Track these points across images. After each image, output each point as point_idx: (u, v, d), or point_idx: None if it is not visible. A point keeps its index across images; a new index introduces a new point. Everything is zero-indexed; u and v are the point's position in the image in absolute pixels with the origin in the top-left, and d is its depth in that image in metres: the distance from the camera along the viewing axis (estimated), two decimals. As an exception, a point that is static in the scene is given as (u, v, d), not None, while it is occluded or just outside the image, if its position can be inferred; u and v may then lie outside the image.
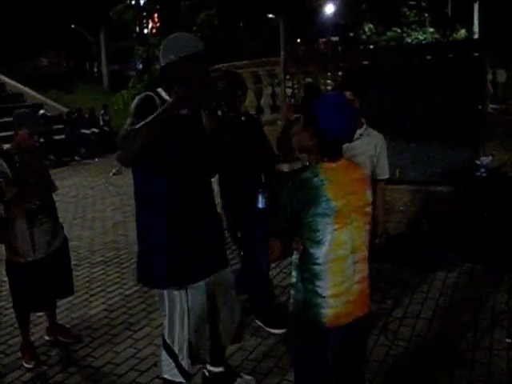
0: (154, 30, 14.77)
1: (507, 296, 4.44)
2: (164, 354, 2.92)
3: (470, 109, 6.01)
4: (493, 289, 4.59)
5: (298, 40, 32.17)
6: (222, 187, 4.01)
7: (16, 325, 4.06)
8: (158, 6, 13.59)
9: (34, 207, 3.70)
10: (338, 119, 2.22)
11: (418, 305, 4.41)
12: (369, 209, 2.35)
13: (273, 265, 4.81)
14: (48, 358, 3.90)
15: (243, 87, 4.01)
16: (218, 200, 3.51)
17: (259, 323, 4.14)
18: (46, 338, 4.14)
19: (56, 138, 14.33)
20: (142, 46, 14.39)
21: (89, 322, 4.43)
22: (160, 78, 2.66)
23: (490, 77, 7.55)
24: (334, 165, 2.26)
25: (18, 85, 18.16)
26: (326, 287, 2.23)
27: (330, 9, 29.00)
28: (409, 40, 29.24)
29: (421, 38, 29.47)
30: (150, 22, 15.35)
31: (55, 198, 4.06)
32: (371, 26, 31.72)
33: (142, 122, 2.51)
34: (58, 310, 4.33)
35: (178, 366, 2.88)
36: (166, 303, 2.83)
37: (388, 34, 30.95)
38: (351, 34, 33.19)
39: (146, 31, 17.80)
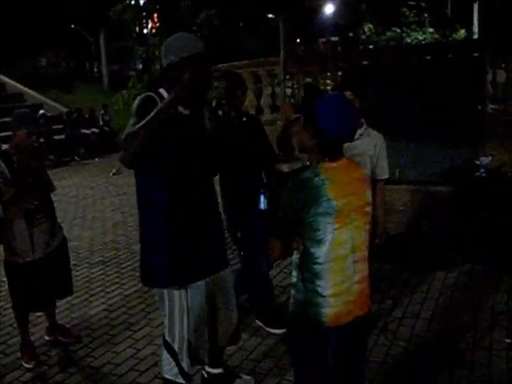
0: (153, 30, 14.76)
1: (507, 296, 4.44)
2: (165, 354, 2.92)
3: (469, 109, 6.01)
4: (492, 289, 4.59)
5: (298, 40, 32.16)
6: (222, 187, 4.01)
7: (15, 325, 4.06)
8: (157, 6, 13.58)
9: (33, 207, 3.70)
10: (339, 119, 2.22)
11: (417, 305, 4.41)
12: (369, 208, 2.35)
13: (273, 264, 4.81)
14: (48, 358, 3.90)
15: (243, 87, 4.01)
16: (218, 200, 3.51)
17: (259, 323, 4.15)
18: (46, 338, 4.14)
19: (56, 138, 14.34)
20: (141, 45, 14.38)
21: (88, 322, 4.43)
22: (161, 79, 2.66)
23: (489, 77, 7.56)
24: (334, 164, 2.27)
25: (18, 85, 18.17)
26: (327, 287, 2.24)
27: (329, 9, 29.02)
28: (408, 40, 29.24)
29: (420, 38, 29.48)
30: (149, 21, 15.34)
31: (55, 198, 4.07)
32: (371, 26, 31.72)
33: (140, 123, 2.51)
34: (57, 310, 4.33)
35: (179, 366, 2.89)
36: (166, 302, 2.84)
37: (388, 34, 30.95)
38: (351, 34, 33.18)
39: (145, 31, 17.78)
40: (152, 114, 2.51)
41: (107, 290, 5.13)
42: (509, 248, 4.82)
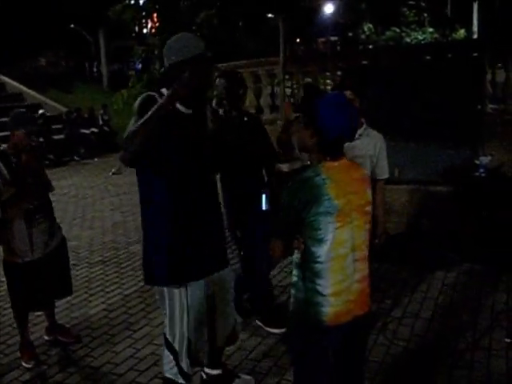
0: (153, 30, 14.73)
1: (506, 296, 4.44)
2: (166, 353, 2.93)
3: (469, 109, 6.02)
4: (492, 288, 4.59)
5: (298, 40, 32.15)
6: (222, 187, 4.01)
7: (15, 325, 4.06)
8: (157, 6, 13.55)
9: (32, 207, 3.70)
10: (339, 119, 2.23)
11: (417, 304, 4.42)
12: (369, 208, 2.36)
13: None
14: (47, 358, 3.90)
15: (244, 86, 4.01)
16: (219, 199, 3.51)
17: (259, 323, 4.15)
18: (46, 337, 4.14)
19: (55, 137, 14.36)
20: (141, 45, 14.36)
21: (88, 322, 4.43)
22: (163, 79, 2.67)
23: (489, 77, 7.56)
24: (335, 164, 2.28)
25: (18, 85, 18.18)
26: (327, 285, 2.24)
27: (329, 8, 29.05)
28: (408, 40, 29.27)
29: (420, 37, 29.52)
30: (149, 21, 15.31)
31: (54, 197, 4.07)
32: (370, 25, 31.74)
33: (139, 122, 2.52)
34: (57, 310, 4.33)
35: (178, 366, 2.89)
36: (167, 301, 2.85)
37: (387, 33, 30.98)
38: (350, 34, 33.20)
39: (145, 31, 17.76)
40: (151, 111, 2.52)
41: (107, 289, 5.13)
42: (508, 248, 4.83)
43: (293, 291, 2.37)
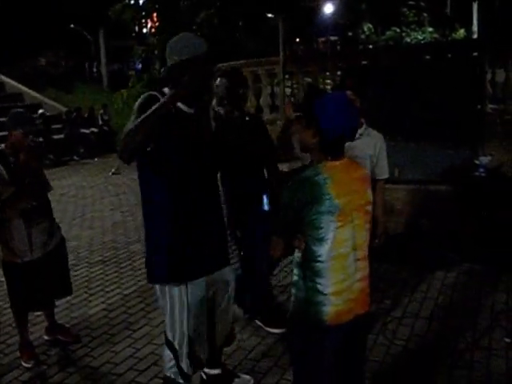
0: (153, 30, 14.75)
1: (506, 296, 4.44)
2: (166, 352, 2.93)
3: (469, 109, 6.02)
4: (491, 288, 4.59)
5: (298, 39, 32.14)
6: (222, 187, 4.01)
7: (14, 324, 4.05)
8: (157, 6, 13.56)
9: (30, 207, 3.69)
10: (340, 118, 2.24)
11: (417, 304, 4.42)
12: (369, 207, 2.37)
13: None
14: (47, 358, 3.90)
15: (245, 85, 3.99)
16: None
17: (259, 323, 4.14)
18: (45, 337, 4.13)
19: (55, 137, 14.36)
20: (141, 45, 14.38)
21: (88, 322, 4.43)
22: (165, 79, 2.68)
23: (489, 76, 7.56)
24: (336, 163, 2.28)
25: (17, 84, 18.19)
26: (328, 285, 2.25)
27: (329, 8, 29.03)
28: (408, 40, 29.26)
29: (420, 37, 29.51)
30: (149, 21, 15.32)
31: (54, 197, 4.07)
32: (370, 25, 31.73)
33: (139, 119, 2.53)
34: (57, 310, 4.33)
35: (178, 366, 2.90)
36: (167, 299, 2.85)
37: (387, 33, 30.97)
38: (350, 34, 33.17)
39: (145, 31, 17.78)
40: (150, 110, 2.53)
41: (106, 289, 5.13)
42: (508, 248, 4.83)
43: (293, 290, 2.37)
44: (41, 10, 22.28)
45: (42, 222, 3.79)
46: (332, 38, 31.28)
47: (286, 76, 9.13)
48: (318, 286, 2.25)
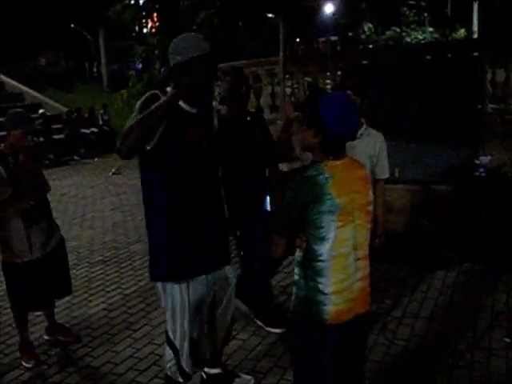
0: (153, 30, 14.75)
1: (506, 296, 4.43)
2: (167, 350, 2.94)
3: (469, 108, 6.01)
4: (491, 288, 4.59)
5: (298, 39, 32.16)
6: (222, 186, 4.00)
7: (14, 324, 4.05)
8: (157, 6, 13.56)
9: (29, 207, 3.69)
10: (341, 118, 2.25)
11: (417, 304, 4.42)
12: (370, 207, 2.37)
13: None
14: (47, 358, 3.90)
15: (247, 85, 3.97)
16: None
17: (259, 323, 4.15)
18: (46, 337, 4.13)
19: (55, 137, 14.37)
20: (141, 45, 14.37)
21: (88, 322, 4.43)
22: (168, 78, 2.69)
23: (489, 76, 7.56)
24: (338, 163, 2.29)
25: (18, 84, 18.20)
26: (328, 284, 2.25)
27: (329, 8, 29.05)
28: (408, 39, 29.29)
29: (420, 37, 29.53)
30: (149, 21, 15.33)
31: (55, 197, 4.08)
32: (370, 25, 31.76)
33: (138, 117, 2.55)
34: (57, 310, 4.33)
35: (179, 365, 2.90)
36: (168, 298, 2.85)
37: (387, 33, 31.00)
38: (350, 34, 33.21)
39: (145, 31, 17.79)
40: (150, 108, 2.55)
41: (107, 289, 5.13)
42: (508, 247, 4.82)
43: (294, 289, 2.38)
44: (41, 9, 22.29)
45: (40, 222, 3.79)
46: (332, 37, 31.30)
47: (286, 76, 9.14)
48: (319, 286, 2.26)
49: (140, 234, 6.72)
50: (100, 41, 24.52)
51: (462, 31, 29.80)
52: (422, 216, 5.64)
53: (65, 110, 16.09)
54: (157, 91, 2.76)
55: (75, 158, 14.36)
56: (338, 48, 29.48)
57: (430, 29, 30.62)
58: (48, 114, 15.01)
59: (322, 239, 2.23)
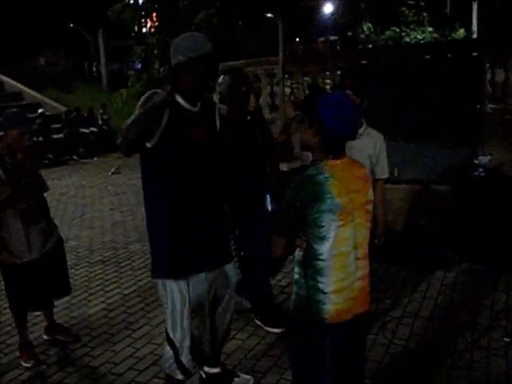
0: (152, 30, 14.74)
1: (505, 295, 4.43)
2: (166, 348, 2.94)
3: (468, 108, 6.01)
4: (491, 288, 4.59)
5: (297, 39, 32.16)
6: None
7: (14, 324, 4.05)
8: (156, 6, 13.55)
9: (28, 207, 3.69)
10: (341, 117, 2.25)
11: (416, 304, 4.42)
12: (370, 207, 2.38)
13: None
14: (46, 357, 3.90)
15: (247, 84, 3.96)
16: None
17: (258, 322, 4.15)
18: (45, 337, 4.13)
19: (55, 137, 14.38)
20: (140, 45, 14.36)
21: (87, 322, 4.43)
22: (170, 78, 2.70)
23: (488, 76, 7.56)
24: (338, 162, 2.29)
25: (17, 84, 18.21)
26: (328, 283, 2.25)
27: (328, 8, 29.05)
28: (407, 39, 29.30)
29: (419, 37, 29.55)
30: (148, 21, 15.31)
31: (54, 196, 4.08)
32: (370, 25, 31.76)
33: (138, 112, 2.57)
34: (56, 310, 4.33)
35: (178, 362, 2.90)
36: (168, 295, 2.86)
37: (387, 33, 31.01)
38: (350, 34, 33.21)
39: (144, 30, 17.77)
40: (149, 103, 2.58)
41: (106, 289, 5.13)
42: (507, 247, 4.83)
43: (294, 288, 2.38)
44: (41, 10, 22.27)
45: (39, 222, 3.79)
46: (331, 37, 31.30)
47: (286, 76, 9.14)
48: (319, 285, 2.26)
49: (139, 233, 6.71)
50: (99, 41, 24.49)
51: (462, 31, 29.82)
52: (422, 216, 5.64)
53: (64, 109, 16.09)
54: (159, 90, 2.77)
55: (74, 157, 14.37)
56: (338, 48, 29.49)
57: (430, 29, 30.62)
58: (47, 113, 15.01)
59: (323, 238, 2.23)
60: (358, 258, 2.31)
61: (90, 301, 4.86)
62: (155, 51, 12.89)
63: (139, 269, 5.56)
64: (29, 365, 3.77)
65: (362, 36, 31.98)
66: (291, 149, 3.80)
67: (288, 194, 2.29)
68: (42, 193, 3.91)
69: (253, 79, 9.53)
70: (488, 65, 7.38)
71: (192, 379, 3.23)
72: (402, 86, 6.04)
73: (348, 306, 2.30)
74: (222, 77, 3.79)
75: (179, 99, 2.75)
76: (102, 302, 4.81)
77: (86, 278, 5.41)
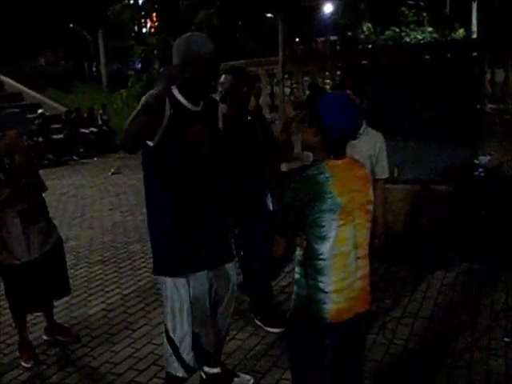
0: (152, 30, 14.74)
1: (505, 295, 4.44)
2: (166, 347, 2.94)
3: (468, 108, 6.02)
4: (491, 288, 4.59)
5: (297, 39, 32.17)
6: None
7: (14, 324, 4.05)
8: (156, 6, 13.55)
9: (27, 208, 3.69)
10: (342, 117, 2.25)
11: (416, 304, 4.42)
12: (370, 206, 2.38)
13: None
14: (46, 358, 3.90)
15: (249, 83, 3.96)
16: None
17: (258, 322, 4.14)
18: (45, 337, 4.13)
19: (54, 137, 14.38)
20: (140, 45, 14.35)
21: (87, 322, 4.43)
22: (172, 76, 2.70)
23: (488, 76, 7.57)
24: (339, 162, 2.29)
25: (17, 84, 18.22)
26: (329, 283, 2.26)
27: (328, 8, 29.07)
28: (407, 39, 29.31)
29: (419, 37, 29.56)
30: (148, 21, 15.31)
31: (54, 196, 4.08)
32: (370, 25, 31.77)
33: (137, 109, 2.57)
34: (56, 310, 4.32)
35: (179, 359, 2.90)
36: (168, 293, 2.86)
37: (386, 33, 31.02)
38: (350, 34, 33.23)
39: (144, 30, 17.77)
40: (147, 97, 2.58)
41: (106, 289, 5.13)
42: (507, 247, 4.83)
43: (295, 288, 2.38)
44: (41, 10, 22.28)
45: (38, 223, 3.78)
46: (331, 37, 31.34)
47: (286, 76, 9.15)
48: (320, 284, 2.26)
49: (139, 234, 6.71)
50: (99, 41, 24.51)
51: (461, 31, 29.83)
52: (422, 216, 5.64)
53: (64, 109, 16.10)
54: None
55: (74, 157, 14.37)
56: (338, 48, 29.52)
57: (430, 29, 30.64)
58: (47, 113, 15.02)
59: (323, 238, 2.23)
60: (359, 258, 2.32)
61: (89, 301, 4.86)
62: (155, 51, 12.88)
63: (139, 269, 5.56)
64: (29, 365, 3.77)
65: (362, 36, 32.00)
66: (291, 148, 3.79)
67: (287, 194, 2.29)
68: (40, 193, 3.91)
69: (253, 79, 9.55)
70: (488, 65, 7.37)
71: (192, 379, 3.23)
72: (401, 86, 6.04)
73: (348, 306, 2.30)
74: (223, 76, 3.79)
75: (181, 99, 2.75)
76: (102, 302, 4.81)
77: (85, 279, 5.41)
